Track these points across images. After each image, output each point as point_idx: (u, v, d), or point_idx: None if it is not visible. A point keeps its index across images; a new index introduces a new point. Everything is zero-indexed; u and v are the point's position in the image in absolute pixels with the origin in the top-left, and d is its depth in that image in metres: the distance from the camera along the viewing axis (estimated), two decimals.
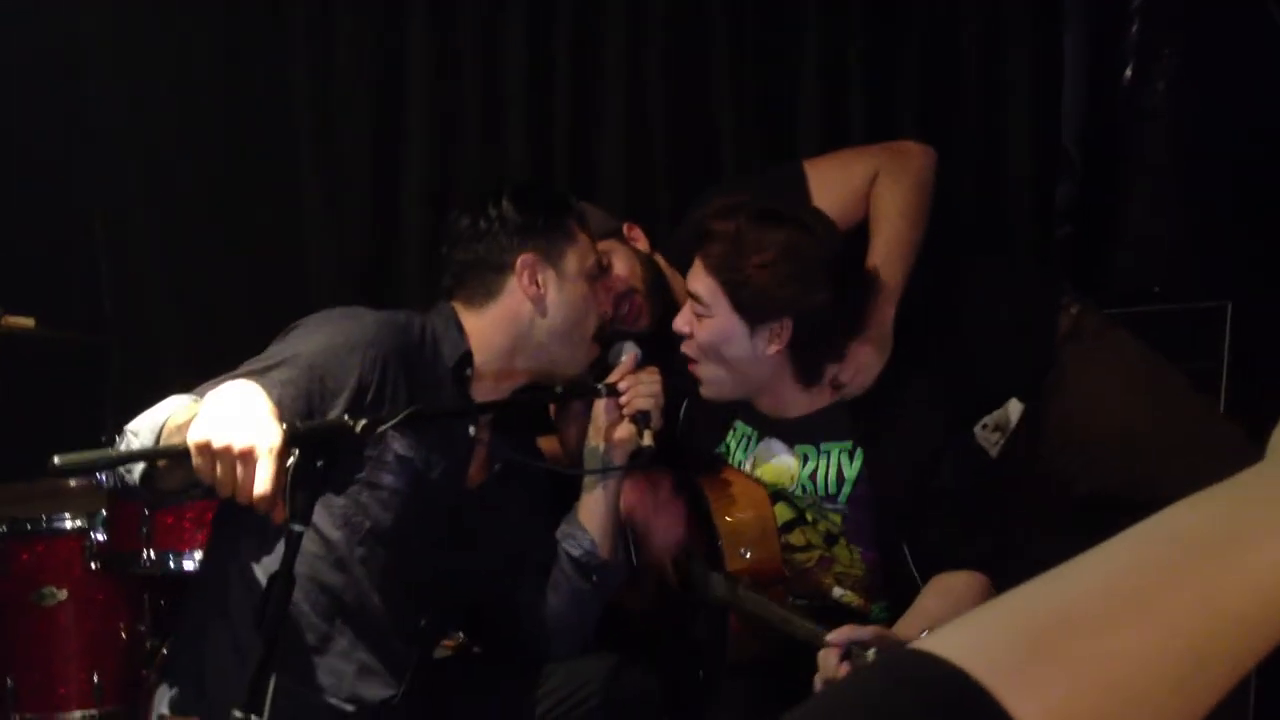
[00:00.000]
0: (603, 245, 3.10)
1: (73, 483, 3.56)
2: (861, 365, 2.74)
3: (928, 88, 4.01)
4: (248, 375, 2.26)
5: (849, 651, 2.24)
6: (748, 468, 2.84)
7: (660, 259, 3.25)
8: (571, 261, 2.69)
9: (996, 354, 3.04)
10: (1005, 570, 2.60)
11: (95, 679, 3.21)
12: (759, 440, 2.84)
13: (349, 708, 2.45)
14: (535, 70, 3.89)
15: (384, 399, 2.43)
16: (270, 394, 2.17)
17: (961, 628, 0.69)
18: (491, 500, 2.68)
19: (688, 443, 2.97)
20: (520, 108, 3.88)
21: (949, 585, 2.58)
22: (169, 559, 3.18)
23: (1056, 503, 3.03)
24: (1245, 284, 3.76)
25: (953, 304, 3.05)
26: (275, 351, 2.41)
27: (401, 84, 3.86)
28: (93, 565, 3.23)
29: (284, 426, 2.00)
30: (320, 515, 2.39)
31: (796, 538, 2.79)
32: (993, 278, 3.21)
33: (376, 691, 2.48)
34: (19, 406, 3.23)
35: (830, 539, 2.78)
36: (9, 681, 3.24)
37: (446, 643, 3.20)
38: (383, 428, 2.16)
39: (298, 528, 2.04)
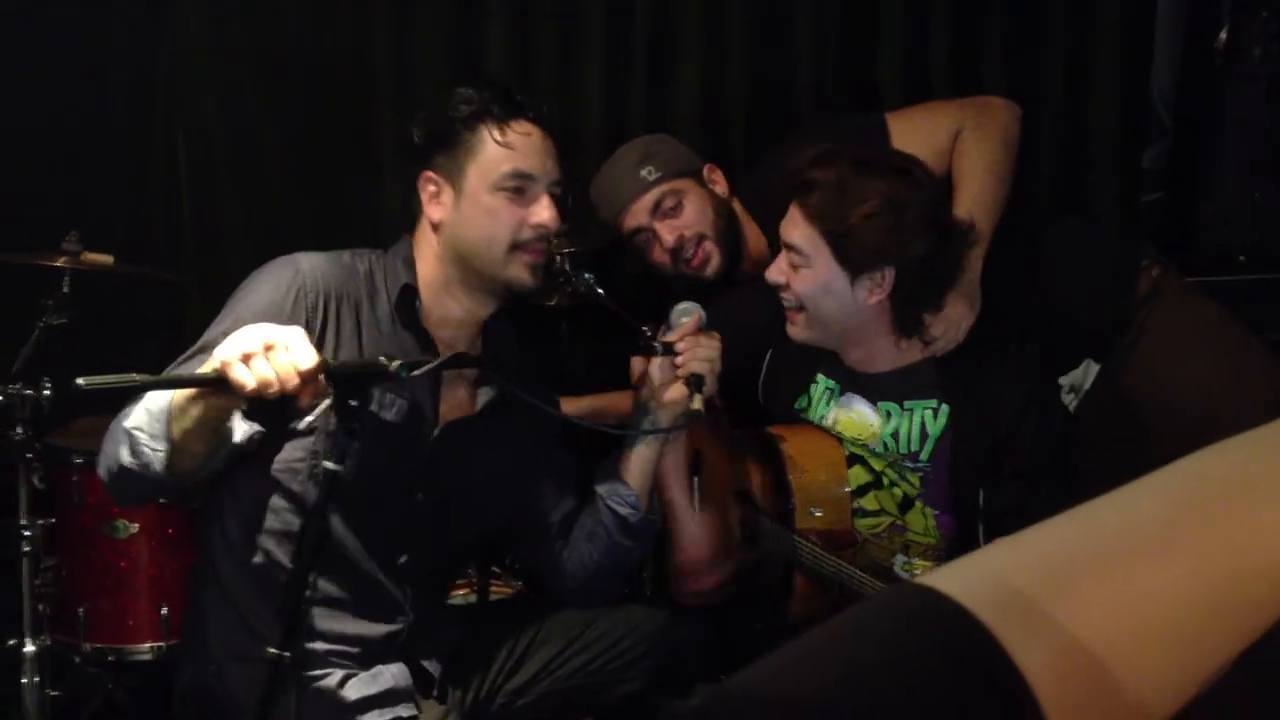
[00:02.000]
0: (677, 184, 3.08)
1: None
2: (953, 320, 2.70)
3: (1012, 43, 3.93)
4: (201, 350, 2.26)
5: None
6: (828, 422, 2.81)
7: (737, 205, 3.22)
8: (472, 176, 2.48)
9: (1075, 313, 2.98)
10: None
11: (164, 612, 3.27)
12: (841, 394, 2.81)
13: (353, 649, 2.45)
14: (614, 9, 3.85)
15: (325, 340, 2.36)
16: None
17: (973, 564, 0.66)
18: (476, 433, 2.57)
19: (768, 393, 2.94)
20: (598, 48, 3.85)
21: None
22: None
23: (1130, 467, 2.99)
24: None
25: (1035, 262, 3.00)
26: (223, 314, 2.38)
27: (479, 26, 3.84)
28: (163, 499, 3.28)
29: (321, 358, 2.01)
30: (282, 470, 2.38)
31: (869, 502, 2.76)
32: (1074, 236, 3.14)
33: (373, 629, 2.45)
34: (98, 343, 3.27)
35: (905, 504, 2.75)
36: (81, 611, 3.30)
37: (505, 589, 3.23)
38: (419, 371, 2.12)
39: (332, 466, 2.04)
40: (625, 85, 3.87)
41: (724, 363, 2.61)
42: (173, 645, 3.26)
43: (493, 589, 3.35)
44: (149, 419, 2.15)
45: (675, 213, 3.09)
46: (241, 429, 2.23)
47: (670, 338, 2.59)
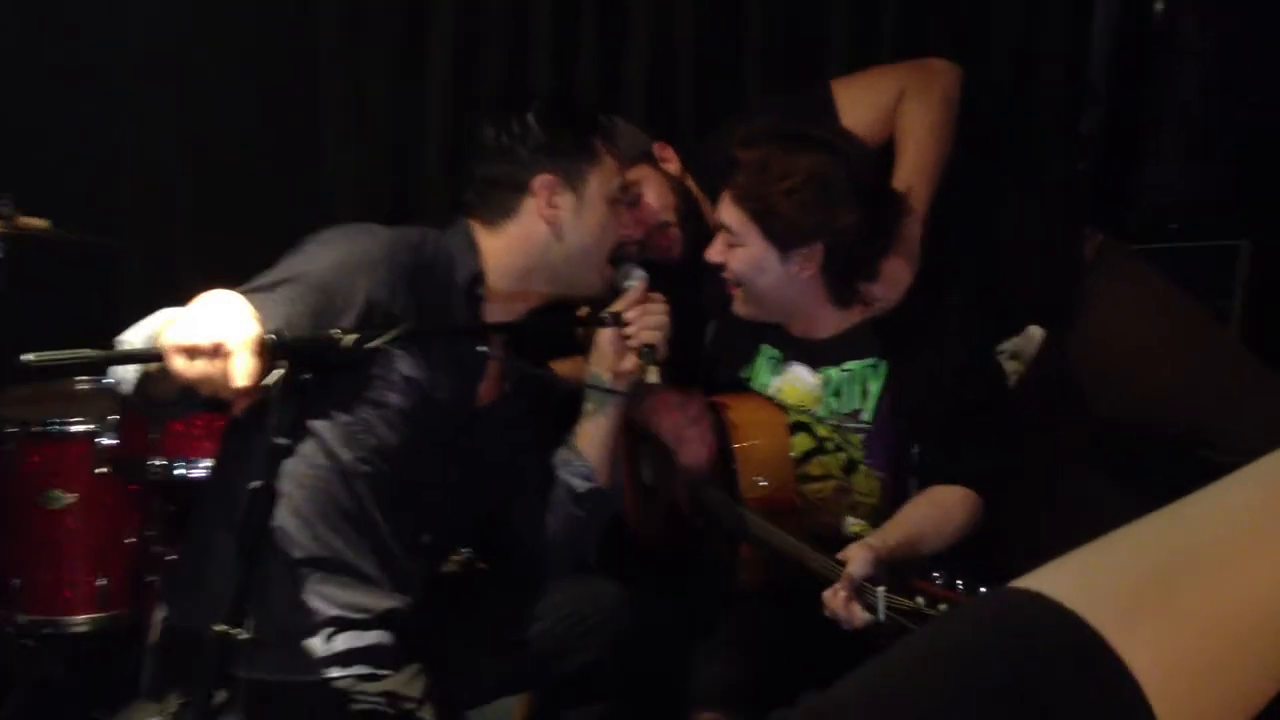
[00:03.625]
0: (635, 173, 3.07)
1: (84, 386, 3.56)
2: (892, 280, 2.76)
3: (958, 9, 3.96)
4: (256, 290, 2.22)
5: (859, 589, 2.25)
6: (771, 390, 2.84)
7: (690, 182, 3.22)
8: (593, 185, 2.61)
9: (1020, 278, 3.04)
10: (1000, 493, 2.64)
11: (101, 583, 3.23)
12: (783, 362, 2.85)
13: (356, 615, 2.46)
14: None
15: (394, 317, 2.37)
16: (279, 311, 2.17)
17: (1071, 568, 0.68)
18: (501, 418, 2.66)
19: (712, 365, 2.96)
20: (546, 23, 3.83)
21: (938, 497, 2.61)
22: (178, 466, 3.19)
23: (1075, 430, 3.05)
24: (1263, 224, 3.74)
25: (980, 225, 3.05)
26: (285, 266, 2.37)
27: (426, 4, 3.81)
28: (101, 470, 3.22)
29: (264, 330, 1.95)
30: (328, 431, 2.40)
31: (814, 468, 2.79)
32: (1020, 202, 3.20)
33: (381, 602, 2.48)
34: (33, 309, 3.21)
35: (849, 467, 2.78)
36: (16, 582, 3.25)
37: (454, 557, 3.22)
38: (371, 344, 2.09)
39: (281, 441, 2.02)
40: (574, 59, 3.85)
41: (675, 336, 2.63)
42: (111, 617, 3.22)
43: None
44: (135, 338, 2.12)
45: (637, 204, 3.08)
46: None
47: (617, 307, 2.61)
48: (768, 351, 2.89)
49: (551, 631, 2.69)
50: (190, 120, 3.74)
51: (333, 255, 2.39)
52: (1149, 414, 3.00)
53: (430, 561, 2.65)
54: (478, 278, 2.56)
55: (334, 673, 2.41)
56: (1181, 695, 0.62)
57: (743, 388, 2.89)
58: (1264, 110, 3.83)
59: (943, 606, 2.08)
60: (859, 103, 3.00)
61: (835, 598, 2.28)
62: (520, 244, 2.59)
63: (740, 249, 2.72)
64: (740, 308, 2.80)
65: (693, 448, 2.78)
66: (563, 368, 3.00)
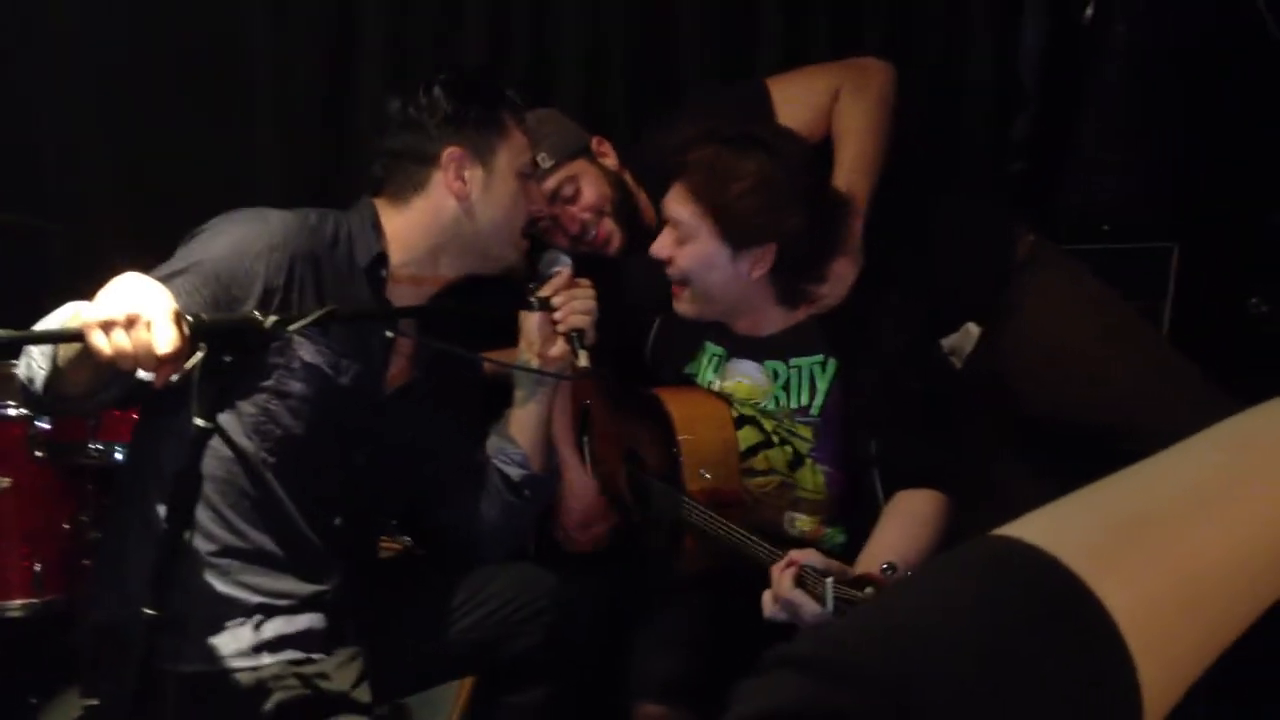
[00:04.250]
0: (571, 168, 3.08)
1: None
2: (837, 278, 2.78)
3: (891, 10, 4.01)
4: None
5: (804, 575, 2.26)
6: (717, 387, 2.86)
7: (628, 176, 3.24)
8: (502, 158, 2.60)
9: (956, 276, 3.08)
10: (962, 486, 2.67)
11: (36, 568, 3.19)
12: (728, 359, 2.86)
13: (281, 602, 2.46)
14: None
15: (291, 302, 2.37)
16: (176, 302, 2.16)
17: (1049, 516, 0.71)
18: (414, 401, 2.64)
19: (657, 361, 2.98)
20: (479, 18, 3.83)
21: (908, 509, 2.62)
22: (114, 450, 3.15)
23: (1011, 425, 3.10)
24: (1192, 227, 3.82)
25: (917, 224, 3.09)
26: (180, 257, 2.35)
27: None
28: (37, 453, 3.19)
29: (190, 317, 1.97)
30: (231, 423, 2.38)
31: (759, 462, 2.81)
32: (955, 202, 3.25)
33: (303, 586, 2.48)
34: None
35: (795, 462, 2.80)
36: None
37: (393, 545, 3.23)
38: (294, 326, 2.10)
39: (203, 423, 2.02)
40: (507, 55, 3.84)
41: (613, 332, 2.65)
42: (46, 602, 3.20)
43: (382, 546, 3.33)
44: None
45: (574, 199, 3.09)
46: None
47: (544, 292, 2.62)
48: (711, 349, 2.90)
49: (492, 617, 2.71)
50: (115, 103, 3.70)
51: (227, 243, 2.36)
52: (1079, 411, 3.05)
53: (348, 544, 2.61)
54: (380, 259, 2.53)
55: (264, 660, 2.41)
56: (1155, 633, 0.66)
57: (687, 382, 2.91)
58: (1193, 113, 3.90)
59: None
60: (795, 101, 3.04)
61: (781, 579, 2.28)
62: (429, 219, 2.57)
63: (690, 245, 2.71)
64: (683, 306, 2.79)
65: (616, 438, 2.82)
66: (494, 355, 3.02)
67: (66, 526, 3.26)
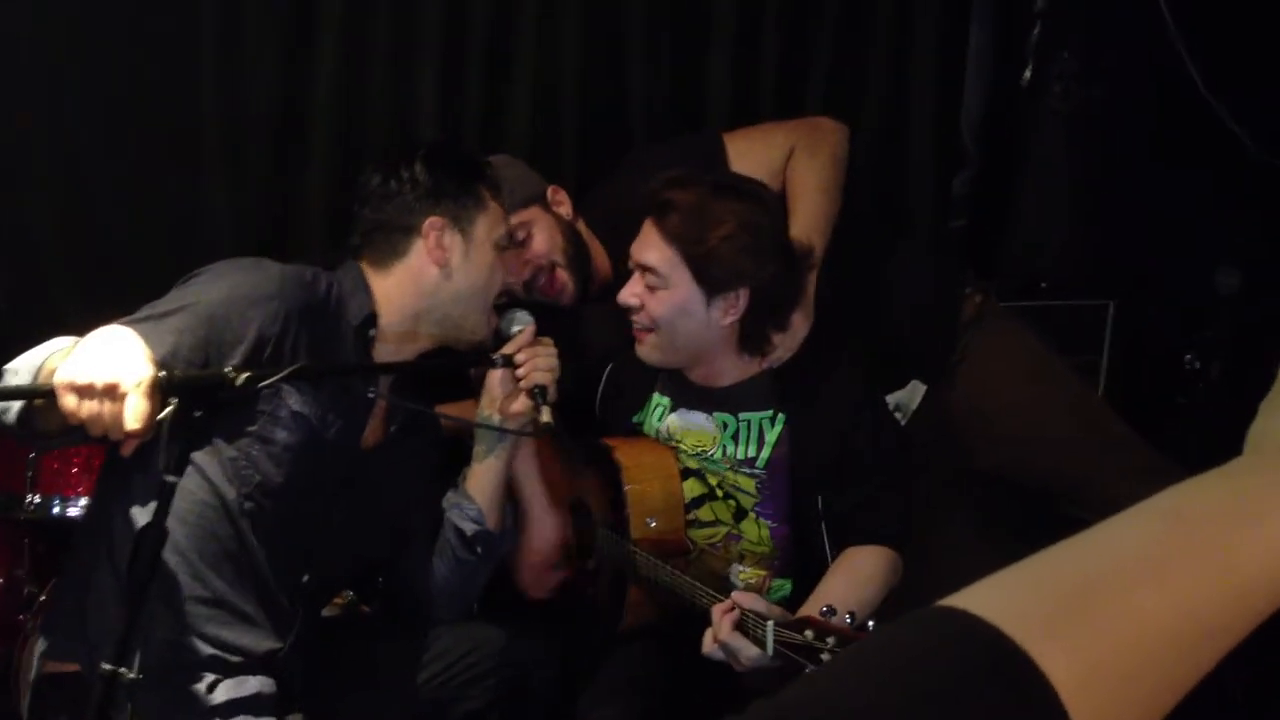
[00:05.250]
0: (525, 215, 3.09)
1: None
2: (790, 332, 2.79)
3: (836, 69, 4.06)
4: (144, 320, 2.21)
5: (745, 619, 2.26)
6: (664, 434, 2.86)
7: (582, 225, 3.25)
8: (480, 228, 2.64)
9: (904, 333, 3.12)
10: (908, 544, 2.68)
11: None
12: (673, 409, 2.86)
13: (234, 658, 2.43)
14: (450, 22, 3.81)
15: (283, 354, 2.37)
16: (166, 341, 2.17)
17: (992, 587, 0.72)
18: (386, 461, 2.64)
19: (606, 410, 2.98)
20: (432, 65, 3.84)
21: (856, 563, 2.63)
22: (53, 504, 3.11)
23: (953, 482, 3.13)
24: (1129, 284, 3.89)
25: (866, 281, 3.12)
26: (175, 297, 2.34)
27: (312, 28, 3.79)
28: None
29: (157, 369, 1.96)
30: (211, 465, 2.36)
31: (705, 513, 2.81)
32: (903, 259, 3.29)
33: (260, 643, 2.45)
34: None
35: (739, 514, 2.80)
36: None
37: (336, 600, 3.19)
38: (264, 383, 2.10)
39: (170, 479, 2.01)
40: (458, 99, 3.85)
41: (563, 378, 2.66)
42: None
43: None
44: (23, 367, 2.09)
45: (525, 244, 3.10)
46: None
47: (507, 349, 2.64)
48: (658, 399, 2.90)
49: (439, 677, 2.68)
50: (58, 152, 3.66)
51: (225, 287, 2.36)
52: (1019, 467, 3.11)
53: (310, 603, 2.61)
54: (370, 318, 2.56)
55: None
56: (1098, 702, 0.67)
57: (635, 431, 2.92)
58: (1129, 171, 3.98)
59: (831, 640, 2.09)
60: (749, 155, 3.07)
61: (722, 622, 2.28)
62: (411, 284, 2.60)
63: (663, 291, 2.70)
64: (647, 353, 2.78)
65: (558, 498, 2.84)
66: (452, 410, 3.01)
67: (2, 581, 3.20)
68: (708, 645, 2.33)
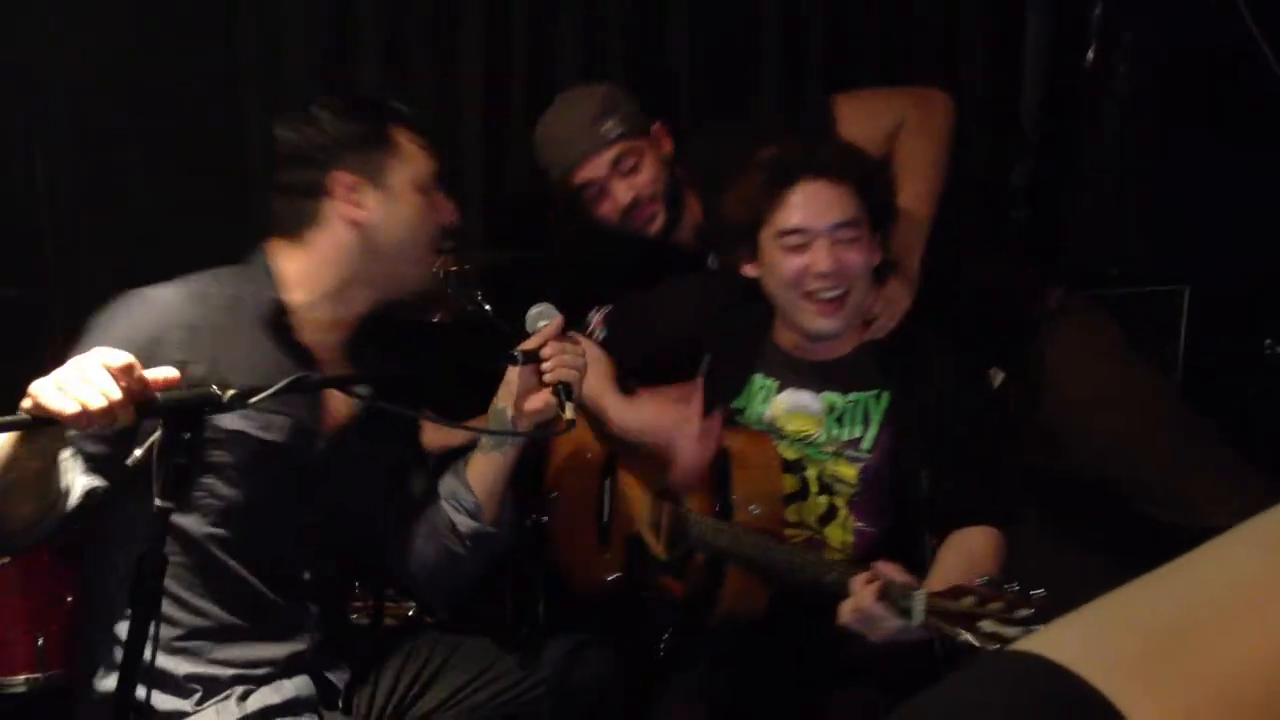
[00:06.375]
0: (633, 144, 3.12)
1: None
2: (892, 300, 2.77)
3: (887, 57, 4.00)
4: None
5: (889, 589, 2.23)
6: (769, 417, 2.78)
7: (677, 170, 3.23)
8: (396, 175, 2.43)
9: (987, 321, 3.07)
10: (1015, 524, 2.61)
11: (39, 642, 3.15)
12: (779, 390, 2.79)
13: (260, 671, 2.36)
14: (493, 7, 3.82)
15: (194, 379, 2.18)
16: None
17: (1077, 629, 0.68)
18: (358, 437, 2.50)
19: (707, 395, 2.87)
20: (477, 36, 3.82)
21: (968, 544, 2.56)
22: None
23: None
24: (1203, 268, 3.79)
25: (959, 266, 3.08)
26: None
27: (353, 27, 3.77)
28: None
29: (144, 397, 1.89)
30: (193, 522, 2.29)
31: (791, 513, 2.75)
32: (987, 248, 3.26)
33: (280, 650, 2.38)
34: None
35: (828, 517, 2.74)
36: None
37: (398, 609, 3.18)
38: (255, 399, 1.99)
39: (164, 504, 1.92)
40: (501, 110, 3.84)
41: (660, 362, 2.68)
42: (50, 677, 3.14)
43: (387, 611, 3.29)
44: None
45: (633, 172, 3.12)
46: (81, 483, 2.13)
47: (532, 344, 2.48)
48: (761, 381, 2.83)
49: (504, 695, 2.60)
50: (108, 171, 3.65)
51: (118, 336, 2.15)
52: (1093, 462, 3.06)
53: (322, 597, 2.50)
54: (279, 308, 2.39)
55: None
56: None
57: (734, 422, 2.83)
58: (1201, 152, 3.88)
59: (996, 605, 2.04)
60: (859, 121, 3.05)
61: (864, 592, 2.25)
62: (331, 251, 2.42)
63: (857, 245, 2.64)
64: (834, 324, 2.68)
65: (695, 448, 2.73)
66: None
67: (69, 601, 3.21)
68: (845, 615, 2.30)
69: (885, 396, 2.71)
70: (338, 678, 2.48)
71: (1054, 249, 4.07)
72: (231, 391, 1.96)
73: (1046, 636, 0.66)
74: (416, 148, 2.48)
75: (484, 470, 2.57)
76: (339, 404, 2.46)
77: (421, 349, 3.50)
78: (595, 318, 3.01)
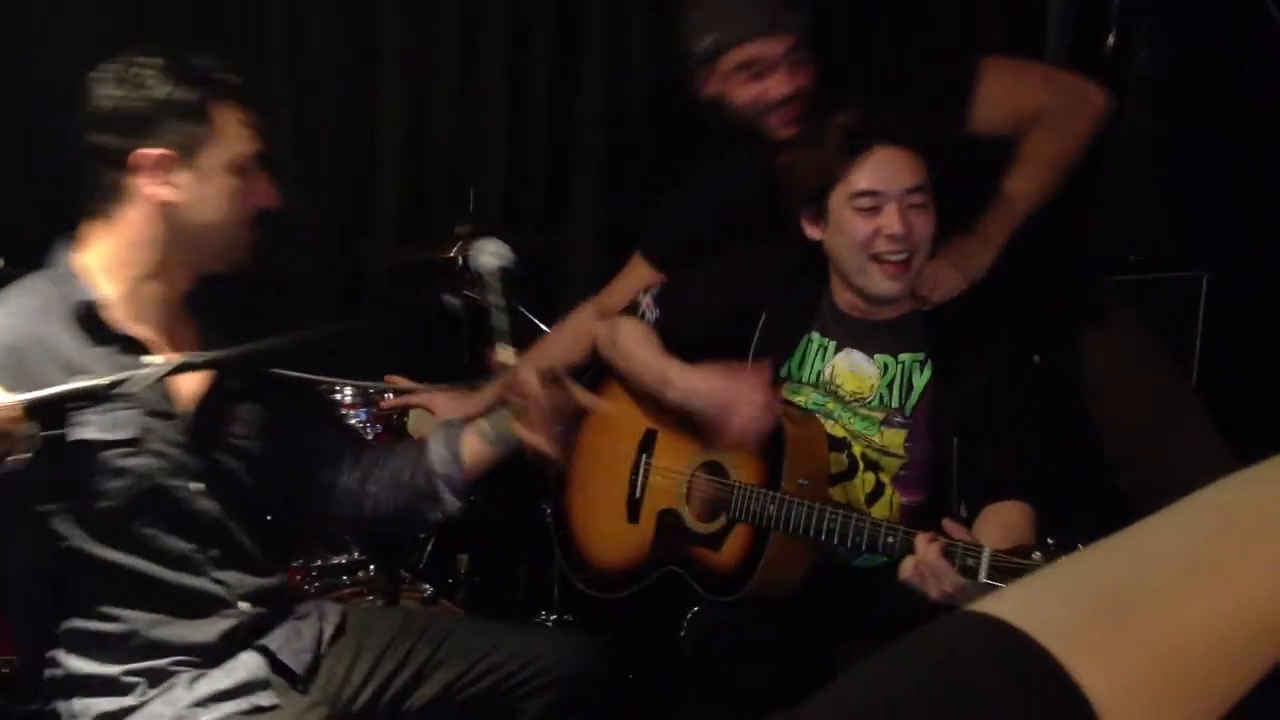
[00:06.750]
0: (769, 47, 2.96)
1: None
2: (944, 280, 2.75)
3: (903, 37, 4.00)
4: None
5: (953, 548, 2.26)
6: (826, 376, 2.81)
7: None
8: (211, 155, 2.26)
9: (1033, 305, 3.06)
10: (1047, 506, 2.60)
11: None
12: (837, 351, 2.81)
13: (194, 657, 2.28)
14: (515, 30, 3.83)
15: (55, 400, 2.02)
16: None
17: (1027, 590, 0.71)
18: (231, 400, 2.40)
19: (760, 355, 2.87)
20: (497, 60, 3.83)
21: (1004, 516, 2.54)
22: None
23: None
24: (1221, 255, 3.78)
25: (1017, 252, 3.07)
26: None
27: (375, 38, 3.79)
28: None
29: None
30: (77, 536, 2.19)
31: (837, 493, 2.76)
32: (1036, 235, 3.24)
33: (205, 632, 2.29)
34: None
35: (874, 495, 2.75)
36: None
37: (412, 595, 3.18)
38: (137, 387, 1.96)
39: (49, 507, 1.95)
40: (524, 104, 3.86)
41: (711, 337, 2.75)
42: None
43: (402, 597, 3.30)
44: None
45: (797, 69, 2.97)
46: None
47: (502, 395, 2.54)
48: (818, 340, 2.84)
49: (501, 687, 2.57)
50: None
51: None
52: (1121, 450, 3.08)
53: (247, 569, 2.40)
54: (91, 308, 2.25)
55: (202, 717, 2.24)
56: (1134, 710, 0.64)
57: (782, 382, 2.85)
58: (1216, 141, 3.86)
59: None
60: (1002, 92, 2.94)
61: (928, 548, 2.27)
62: (138, 235, 2.27)
63: (927, 208, 2.65)
64: (897, 287, 2.68)
65: (758, 416, 2.70)
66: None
67: None
68: (906, 570, 2.33)
69: (930, 366, 2.73)
70: (293, 659, 2.41)
71: (1073, 235, 4.05)
72: (111, 377, 1.93)
73: (1000, 599, 0.68)
74: (238, 126, 2.31)
75: (480, 459, 2.57)
76: (185, 380, 2.35)
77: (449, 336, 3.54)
78: (645, 299, 2.99)
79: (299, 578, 3.33)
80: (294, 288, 3.75)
